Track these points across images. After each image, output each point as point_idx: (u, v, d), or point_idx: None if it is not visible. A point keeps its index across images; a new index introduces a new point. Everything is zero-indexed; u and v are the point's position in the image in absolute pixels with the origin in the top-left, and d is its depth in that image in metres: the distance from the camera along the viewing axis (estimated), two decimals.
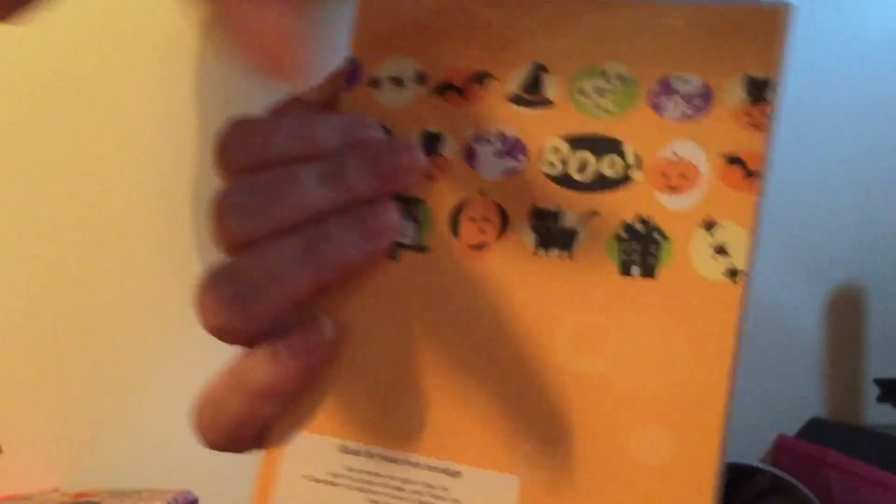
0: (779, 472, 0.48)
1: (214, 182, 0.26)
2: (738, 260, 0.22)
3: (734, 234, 0.23)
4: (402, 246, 0.25)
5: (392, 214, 0.24)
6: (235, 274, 0.23)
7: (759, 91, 0.24)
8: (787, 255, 0.58)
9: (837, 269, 0.58)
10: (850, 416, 0.57)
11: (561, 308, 0.23)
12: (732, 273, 0.23)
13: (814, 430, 0.56)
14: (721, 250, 0.23)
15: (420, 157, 0.25)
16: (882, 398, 0.54)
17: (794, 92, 0.61)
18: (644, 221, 0.23)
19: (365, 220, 0.23)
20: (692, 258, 0.23)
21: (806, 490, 0.47)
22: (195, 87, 0.58)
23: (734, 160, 0.23)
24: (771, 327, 0.57)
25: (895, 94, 0.58)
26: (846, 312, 0.58)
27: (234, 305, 0.24)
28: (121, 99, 0.57)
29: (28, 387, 0.55)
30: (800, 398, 0.57)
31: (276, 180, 0.23)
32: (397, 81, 0.26)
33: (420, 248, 0.24)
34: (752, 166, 0.23)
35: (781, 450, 0.56)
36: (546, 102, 0.25)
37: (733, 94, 0.24)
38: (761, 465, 0.48)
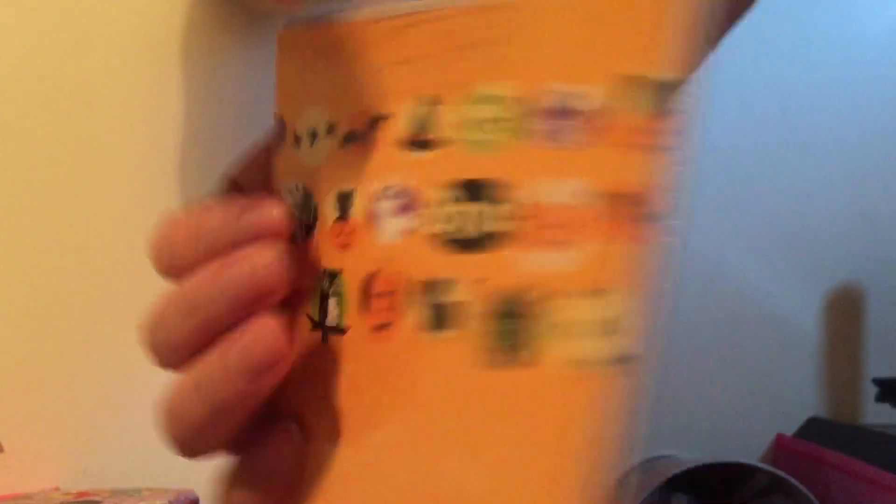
0: (777, 471, 0.48)
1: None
2: (628, 340, 0.18)
3: (623, 306, 0.18)
4: (329, 327, 0.21)
5: (266, 339, 0.20)
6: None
7: (663, 98, 0.18)
8: (786, 256, 0.58)
9: (836, 270, 0.58)
10: (849, 416, 0.57)
11: (447, 407, 0.19)
12: (621, 359, 0.18)
13: (812, 429, 0.56)
14: (608, 328, 0.18)
15: (274, 276, 0.20)
16: (880, 398, 0.54)
17: (793, 93, 0.62)
18: (518, 291, 0.19)
19: (240, 350, 0.20)
20: (573, 339, 0.18)
21: (804, 489, 0.47)
22: (183, 85, 0.58)
23: (626, 200, 0.18)
24: (770, 327, 0.57)
25: (893, 95, 0.58)
26: (845, 313, 0.58)
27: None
28: (110, 99, 0.57)
29: (29, 387, 0.55)
30: (798, 398, 0.57)
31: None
32: (313, 135, 0.22)
33: (339, 330, 0.21)
34: (649, 205, 0.18)
35: (780, 449, 0.56)
36: (436, 143, 0.20)
37: (632, 105, 0.18)
38: (760, 464, 0.48)
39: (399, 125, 0.21)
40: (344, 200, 0.21)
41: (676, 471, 0.48)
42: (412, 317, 0.20)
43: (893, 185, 0.58)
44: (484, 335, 0.19)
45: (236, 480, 0.21)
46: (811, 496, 0.47)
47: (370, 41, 0.22)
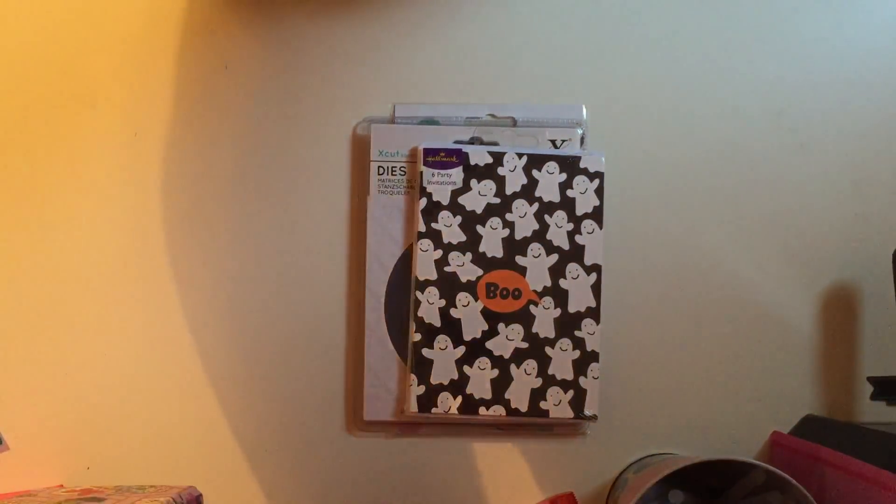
0: (773, 469, 0.48)
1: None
2: None
3: None
4: None
5: None
6: None
7: None
8: (781, 254, 0.58)
9: (831, 268, 0.58)
10: (844, 414, 0.58)
11: None
12: None
13: (808, 426, 0.56)
14: None
15: None
16: (875, 396, 0.55)
17: (789, 93, 0.62)
18: None
19: None
20: None
21: (800, 486, 0.48)
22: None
23: None
24: (766, 326, 0.58)
25: (889, 94, 0.59)
26: (840, 311, 0.58)
27: None
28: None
29: (33, 385, 0.56)
30: (794, 396, 0.58)
31: None
32: None
33: None
34: None
35: (776, 446, 0.57)
36: None
37: None
38: (756, 462, 0.49)
39: None
40: None
41: (673, 468, 0.49)
42: None
43: (888, 183, 0.58)
44: None
45: None
46: (806, 493, 0.47)
47: None
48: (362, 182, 0.57)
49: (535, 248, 0.55)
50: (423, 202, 0.55)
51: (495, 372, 0.54)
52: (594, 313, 0.55)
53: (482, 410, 0.54)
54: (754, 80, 0.58)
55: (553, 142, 0.56)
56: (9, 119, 0.56)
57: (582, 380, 0.55)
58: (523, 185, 0.55)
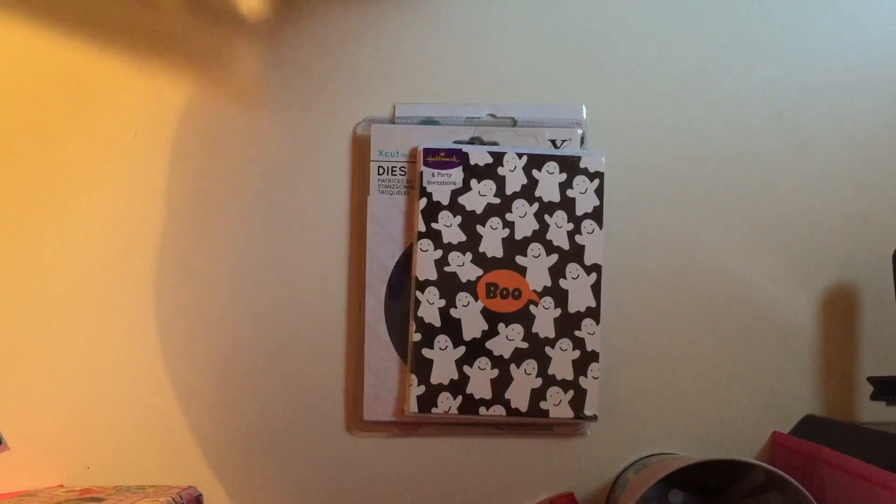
0: (773, 469, 0.48)
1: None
2: None
3: None
4: None
5: None
6: None
7: None
8: (781, 255, 0.58)
9: (832, 269, 0.58)
10: (844, 414, 0.58)
11: None
12: None
13: (808, 427, 0.56)
14: None
15: None
16: (875, 396, 0.55)
17: (789, 93, 0.62)
18: None
19: None
20: None
21: (800, 486, 0.48)
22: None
23: None
24: (766, 326, 0.58)
25: (889, 95, 0.59)
26: (840, 311, 0.58)
27: None
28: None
29: (33, 385, 0.56)
30: (795, 396, 0.58)
31: None
32: None
33: None
34: None
35: (776, 446, 0.57)
36: None
37: None
38: (757, 462, 0.49)
39: None
40: None
41: (673, 468, 0.49)
42: None
43: (889, 183, 0.58)
44: None
45: None
46: (806, 493, 0.48)
47: None
48: (362, 182, 0.57)
49: (535, 248, 0.55)
50: (423, 202, 0.55)
51: (495, 372, 0.54)
52: (594, 313, 0.55)
53: (482, 410, 0.54)
54: (754, 81, 0.59)
55: (553, 142, 0.56)
56: (9, 119, 0.56)
57: (582, 380, 0.55)
58: (523, 185, 0.55)
